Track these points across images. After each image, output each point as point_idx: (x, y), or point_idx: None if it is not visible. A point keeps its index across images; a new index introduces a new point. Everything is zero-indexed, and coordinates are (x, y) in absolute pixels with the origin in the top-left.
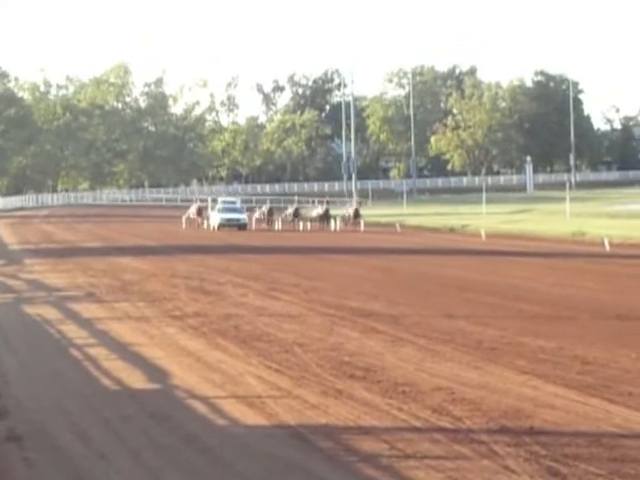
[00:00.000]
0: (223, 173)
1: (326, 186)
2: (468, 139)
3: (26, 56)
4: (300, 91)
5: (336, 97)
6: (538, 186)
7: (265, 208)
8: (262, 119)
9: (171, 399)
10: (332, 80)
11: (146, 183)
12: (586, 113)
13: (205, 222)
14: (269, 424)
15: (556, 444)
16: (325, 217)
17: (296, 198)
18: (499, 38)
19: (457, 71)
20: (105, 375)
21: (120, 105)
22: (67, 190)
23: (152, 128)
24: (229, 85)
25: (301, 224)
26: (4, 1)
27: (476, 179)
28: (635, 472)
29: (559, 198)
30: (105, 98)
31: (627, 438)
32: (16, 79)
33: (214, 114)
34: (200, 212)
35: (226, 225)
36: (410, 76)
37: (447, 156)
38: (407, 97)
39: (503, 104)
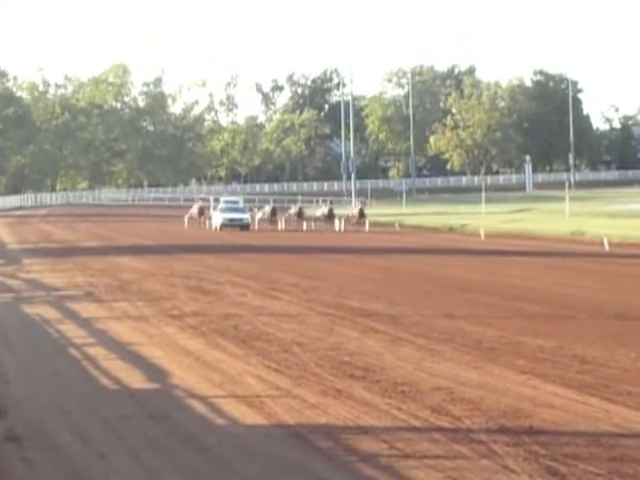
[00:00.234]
0: (222, 173)
1: (325, 186)
2: (467, 139)
3: (25, 55)
4: (299, 91)
5: (335, 97)
6: (537, 185)
7: (268, 208)
8: (261, 119)
9: (170, 399)
10: (331, 80)
11: (145, 183)
12: (585, 112)
13: (207, 222)
14: (268, 424)
15: (555, 443)
16: (329, 217)
17: (299, 198)
18: (498, 38)
19: (456, 71)
20: (104, 375)
21: (119, 105)
22: (66, 189)
23: (151, 128)
24: (228, 85)
25: (305, 224)
26: (4, 1)
27: (475, 179)
28: (634, 471)
29: (558, 197)
30: (104, 97)
31: (626, 437)
32: (15, 78)
33: (213, 114)
34: (202, 212)
35: (229, 225)
36: (409, 76)
37: (446, 156)
38: (406, 97)
39: (502, 104)
